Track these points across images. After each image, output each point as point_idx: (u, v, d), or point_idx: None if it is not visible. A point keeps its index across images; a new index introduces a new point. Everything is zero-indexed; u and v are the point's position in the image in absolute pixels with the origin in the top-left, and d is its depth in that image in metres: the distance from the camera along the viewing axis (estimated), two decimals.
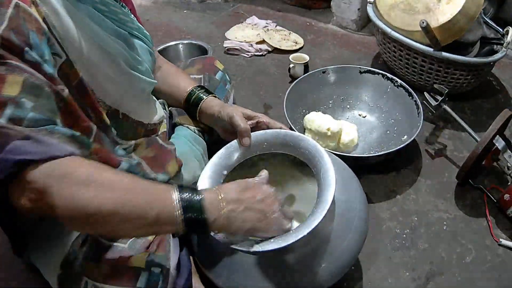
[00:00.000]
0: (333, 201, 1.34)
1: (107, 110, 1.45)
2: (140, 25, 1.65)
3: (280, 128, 1.67)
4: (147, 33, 1.67)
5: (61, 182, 1.11)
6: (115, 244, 1.42)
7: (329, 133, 2.19)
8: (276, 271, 1.42)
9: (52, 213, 1.12)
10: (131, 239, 1.44)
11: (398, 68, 2.73)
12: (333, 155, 1.66)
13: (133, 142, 1.58)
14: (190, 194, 1.25)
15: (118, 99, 1.48)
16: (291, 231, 1.32)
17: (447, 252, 1.92)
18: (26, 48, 1.13)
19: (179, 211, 1.21)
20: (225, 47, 3.34)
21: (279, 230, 1.34)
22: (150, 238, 1.46)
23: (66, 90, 1.23)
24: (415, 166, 2.32)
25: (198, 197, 1.26)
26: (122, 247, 1.42)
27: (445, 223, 2.04)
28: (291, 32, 3.50)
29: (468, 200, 2.14)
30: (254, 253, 1.33)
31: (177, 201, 1.22)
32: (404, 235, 1.98)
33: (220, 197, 1.29)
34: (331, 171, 1.40)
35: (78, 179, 1.13)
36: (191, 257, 1.62)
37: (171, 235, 1.52)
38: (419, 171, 2.30)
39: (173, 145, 1.72)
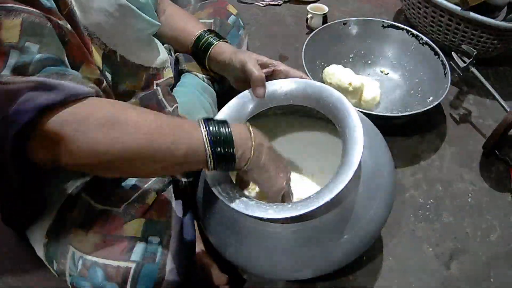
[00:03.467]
0: (359, 164, 1.17)
1: (103, 51, 1.33)
2: None
3: (300, 77, 1.49)
4: None
5: (80, 127, 1.01)
6: (107, 208, 1.28)
7: (350, 88, 2.07)
8: (292, 242, 1.27)
9: (73, 161, 1.04)
10: (126, 203, 1.29)
11: (422, 26, 2.61)
12: (360, 112, 1.48)
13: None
14: (217, 127, 1.17)
15: (114, 36, 1.34)
16: (312, 196, 1.16)
17: (471, 227, 1.81)
18: None
19: (208, 147, 1.14)
20: None
21: (276, 198, 1.31)
22: (149, 201, 1.31)
23: (68, 25, 1.11)
24: (440, 131, 2.21)
25: (227, 130, 1.18)
26: (116, 212, 1.27)
27: (470, 195, 1.93)
28: None
29: (493, 172, 2.03)
30: (268, 220, 1.20)
31: (205, 136, 1.14)
32: (428, 206, 1.87)
33: (249, 130, 1.22)
34: (359, 128, 1.24)
35: (98, 121, 1.03)
36: (195, 223, 1.49)
37: (173, 197, 1.39)
38: (443, 136, 2.18)
39: (175, 102, 1.56)
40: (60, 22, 1.07)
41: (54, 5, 1.07)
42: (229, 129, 1.17)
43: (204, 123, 1.16)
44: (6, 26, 0.97)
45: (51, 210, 1.31)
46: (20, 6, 0.99)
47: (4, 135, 0.99)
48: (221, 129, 1.16)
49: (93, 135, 1.02)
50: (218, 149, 1.14)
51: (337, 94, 1.35)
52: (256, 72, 1.44)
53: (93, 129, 1.02)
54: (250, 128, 1.22)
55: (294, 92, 1.44)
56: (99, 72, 1.22)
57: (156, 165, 1.12)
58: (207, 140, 1.13)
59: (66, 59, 1.08)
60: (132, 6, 1.34)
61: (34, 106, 0.96)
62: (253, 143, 1.20)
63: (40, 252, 1.31)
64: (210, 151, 1.13)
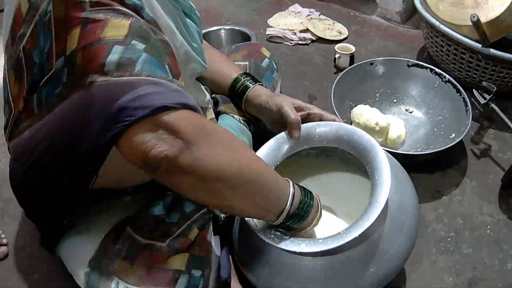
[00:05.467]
0: (386, 202, 1.27)
1: None
2: (192, 4, 1.56)
3: (333, 120, 1.59)
4: (197, 13, 1.59)
5: (210, 137, 1.06)
6: (151, 242, 1.34)
7: (377, 128, 2.13)
8: (321, 275, 1.36)
9: (188, 168, 1.02)
10: (170, 238, 1.36)
11: (444, 63, 2.66)
12: (386, 152, 1.56)
13: None
14: (303, 193, 1.34)
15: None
16: (341, 232, 1.26)
17: (489, 257, 1.86)
18: None
19: (289, 206, 1.27)
20: (268, 35, 3.27)
21: None
22: (191, 237, 1.39)
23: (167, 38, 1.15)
24: (461, 166, 2.26)
25: (309, 201, 1.34)
26: (160, 246, 1.34)
27: (488, 227, 1.98)
28: (335, 21, 3.41)
29: (511, 204, 2.07)
30: (301, 253, 1.29)
31: (291, 195, 1.27)
32: (449, 239, 1.92)
33: (318, 205, 1.37)
34: (387, 169, 1.34)
35: (224, 139, 1.12)
36: (230, 256, 1.57)
37: (212, 234, 1.46)
38: (464, 171, 2.23)
39: None
40: (161, 35, 1.14)
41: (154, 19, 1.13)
42: (311, 201, 1.34)
43: (293, 184, 1.32)
44: (113, 24, 1.01)
45: (94, 240, 1.37)
46: (129, 11, 1.04)
47: (95, 128, 0.99)
48: (307, 198, 1.33)
49: (218, 149, 1.07)
50: (296, 211, 1.30)
51: (367, 136, 1.45)
52: (293, 115, 1.53)
53: (218, 144, 1.08)
54: (319, 202, 1.38)
55: (328, 134, 1.53)
56: None
57: (251, 200, 1.20)
58: (291, 198, 1.26)
59: (167, 68, 1.11)
60: (190, 49, 1.43)
61: (159, 102, 0.97)
62: (318, 214, 1.37)
63: (80, 280, 1.36)
64: (288, 210, 1.26)
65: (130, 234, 1.36)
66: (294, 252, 1.28)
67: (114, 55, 0.98)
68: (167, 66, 1.11)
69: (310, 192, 1.36)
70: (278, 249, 1.29)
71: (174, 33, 1.36)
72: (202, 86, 1.74)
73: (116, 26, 1.01)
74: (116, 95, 0.97)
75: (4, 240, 1.86)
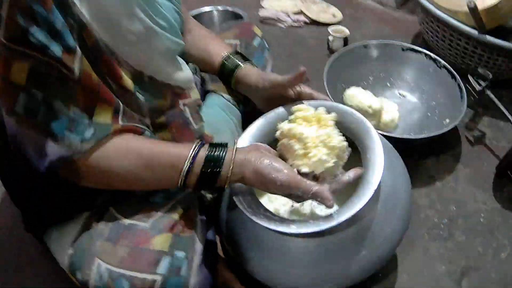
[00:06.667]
0: (379, 184, 1.23)
1: (131, 73, 1.35)
2: None
3: (324, 99, 1.56)
4: None
5: (86, 173, 1.22)
6: (135, 222, 1.31)
7: (370, 110, 2.09)
8: (312, 257, 1.33)
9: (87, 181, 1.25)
10: (153, 218, 1.33)
11: (440, 49, 2.63)
12: (379, 134, 1.50)
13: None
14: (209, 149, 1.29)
15: (141, 58, 1.37)
16: (333, 213, 1.21)
17: (483, 246, 1.84)
18: (31, 29, 1.02)
19: (186, 169, 1.25)
20: (261, 16, 3.24)
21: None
22: (176, 217, 1.35)
23: (77, 71, 1.12)
24: (455, 152, 2.24)
25: (217, 153, 1.29)
26: (143, 227, 1.30)
27: (482, 215, 1.96)
28: (329, 4, 3.38)
29: (505, 192, 2.06)
30: (290, 235, 1.25)
31: (189, 159, 1.25)
32: (442, 225, 1.91)
33: (232, 150, 1.30)
34: (379, 149, 1.30)
35: (105, 170, 1.23)
36: (217, 237, 1.54)
37: (198, 214, 1.43)
38: (458, 157, 2.22)
39: (201, 122, 1.60)
40: (67, 72, 1.10)
41: (62, 55, 1.09)
42: (222, 152, 1.28)
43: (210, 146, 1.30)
44: (16, 67, 1.05)
45: (77, 221, 1.35)
46: (30, 52, 1.04)
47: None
48: (214, 152, 1.28)
49: (96, 178, 1.25)
50: (197, 169, 1.26)
51: (359, 116, 1.42)
52: (289, 75, 1.53)
53: (95, 175, 1.24)
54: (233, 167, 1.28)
55: None
56: (112, 108, 1.23)
57: (147, 186, 1.32)
58: (190, 160, 1.25)
59: (71, 107, 1.13)
60: (157, 28, 1.37)
61: (51, 157, 1.14)
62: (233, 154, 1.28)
63: (64, 262, 1.34)
64: (185, 173, 1.25)
65: (113, 214, 1.33)
66: (285, 233, 1.25)
67: (21, 101, 1.08)
68: (70, 108, 1.14)
69: (221, 144, 1.32)
70: (268, 230, 1.24)
71: (123, 15, 1.28)
72: (183, 63, 1.65)
73: (17, 70, 1.06)
74: (24, 141, 1.15)
75: None
